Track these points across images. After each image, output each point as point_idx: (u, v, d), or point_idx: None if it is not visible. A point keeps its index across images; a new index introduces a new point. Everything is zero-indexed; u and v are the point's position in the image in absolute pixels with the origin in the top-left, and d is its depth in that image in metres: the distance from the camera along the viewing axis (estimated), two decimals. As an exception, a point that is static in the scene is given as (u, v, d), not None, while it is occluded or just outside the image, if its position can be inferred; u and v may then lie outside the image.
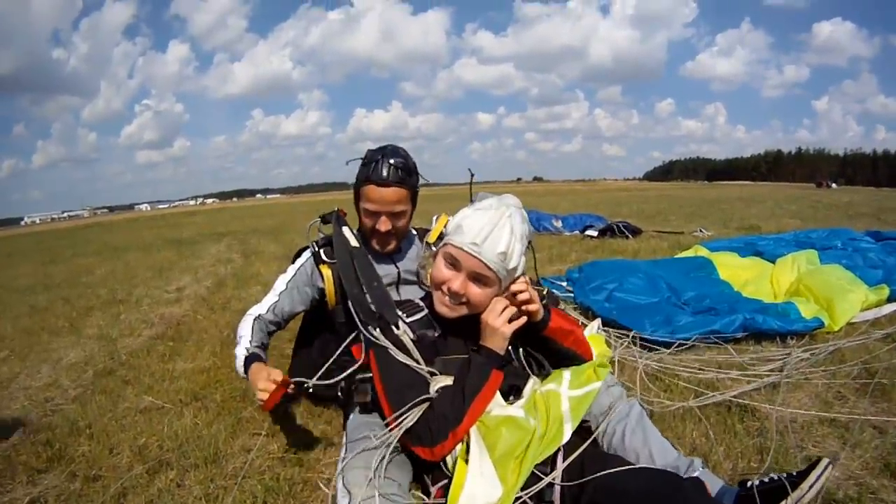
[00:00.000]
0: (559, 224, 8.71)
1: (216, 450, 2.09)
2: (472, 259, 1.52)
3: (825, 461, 1.41)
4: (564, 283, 4.38)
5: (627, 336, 3.12)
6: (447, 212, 1.73)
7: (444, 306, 1.62)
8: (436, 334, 1.70)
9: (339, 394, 1.93)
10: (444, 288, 1.59)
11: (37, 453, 2.17)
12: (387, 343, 1.61)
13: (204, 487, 1.83)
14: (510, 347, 1.68)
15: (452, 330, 1.68)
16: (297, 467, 1.96)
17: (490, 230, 1.51)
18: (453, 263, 1.57)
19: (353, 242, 2.08)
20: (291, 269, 2.23)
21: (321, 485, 1.76)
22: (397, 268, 2.22)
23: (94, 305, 5.47)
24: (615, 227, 7.62)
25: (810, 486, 1.36)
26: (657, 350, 2.93)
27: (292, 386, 1.60)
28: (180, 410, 2.54)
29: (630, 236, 7.39)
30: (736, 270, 4.24)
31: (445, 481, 1.44)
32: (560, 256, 6.40)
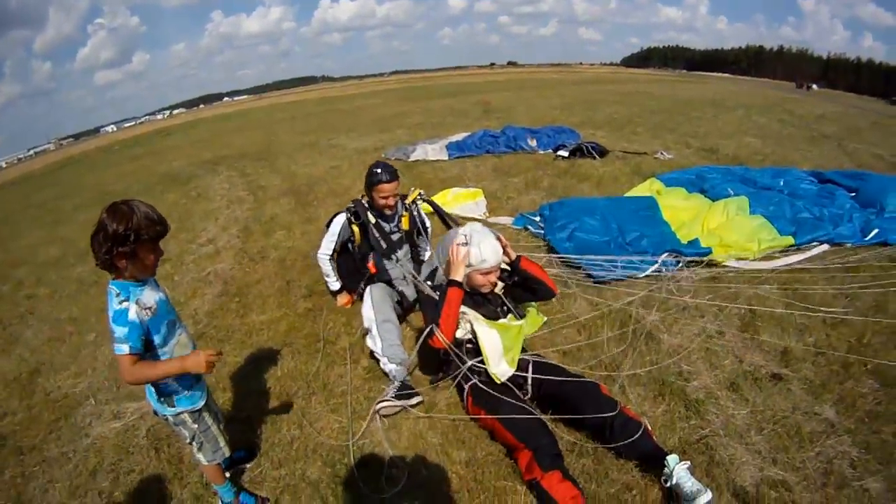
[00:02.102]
0: (534, 143, 9.72)
1: (322, 379, 3.29)
2: (492, 269, 2.84)
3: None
4: (537, 219, 5.65)
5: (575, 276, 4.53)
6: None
7: (487, 288, 2.93)
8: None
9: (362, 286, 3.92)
10: (487, 284, 2.90)
11: None
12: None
13: (326, 404, 3.04)
14: (502, 295, 3.02)
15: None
16: (378, 380, 3.19)
17: (491, 252, 2.81)
18: (485, 274, 2.85)
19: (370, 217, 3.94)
20: (335, 227, 4.01)
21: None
22: (398, 222, 4.07)
23: (144, 270, 6.52)
24: (584, 147, 8.70)
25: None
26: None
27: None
28: (281, 355, 3.72)
29: (597, 157, 8.44)
30: (674, 212, 5.40)
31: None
32: (534, 182, 7.61)
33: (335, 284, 4.26)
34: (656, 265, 4.36)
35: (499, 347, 2.77)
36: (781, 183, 5.92)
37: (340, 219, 4.01)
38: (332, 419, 2.97)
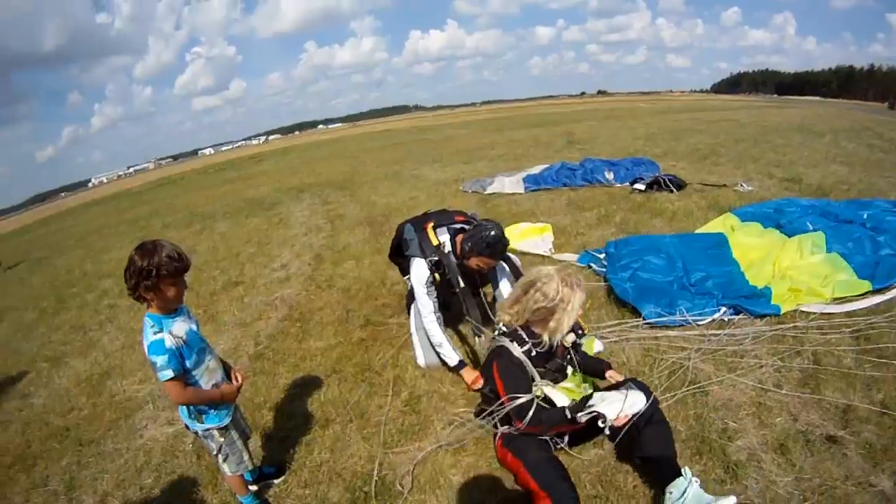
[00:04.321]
0: (611, 176, 9.82)
1: (360, 408, 3.57)
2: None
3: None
4: (602, 257, 5.75)
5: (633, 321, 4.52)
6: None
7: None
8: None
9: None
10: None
11: None
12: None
13: (359, 433, 3.32)
14: (570, 348, 3.08)
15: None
16: (414, 414, 3.40)
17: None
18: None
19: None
20: (422, 279, 3.80)
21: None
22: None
23: (216, 290, 7.26)
24: (661, 180, 8.70)
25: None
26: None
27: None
28: (328, 382, 4.08)
29: (674, 190, 8.42)
30: (745, 250, 5.33)
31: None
32: (606, 217, 7.68)
33: (453, 357, 3.78)
34: (719, 314, 4.32)
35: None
36: (865, 216, 5.63)
37: (425, 271, 3.80)
38: (363, 447, 3.23)
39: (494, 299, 4.18)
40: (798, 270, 4.77)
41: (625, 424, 2.62)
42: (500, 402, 2.78)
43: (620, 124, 25.79)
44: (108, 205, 34.46)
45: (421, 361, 4.02)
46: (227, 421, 2.62)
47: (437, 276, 3.82)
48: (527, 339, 2.88)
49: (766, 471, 2.73)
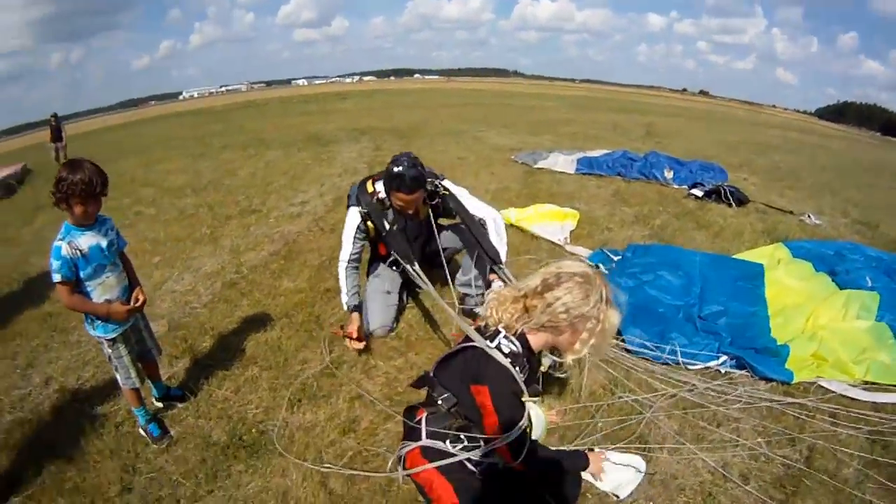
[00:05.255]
0: (670, 175, 9.09)
1: (286, 357, 3.58)
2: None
3: None
4: (616, 259, 5.22)
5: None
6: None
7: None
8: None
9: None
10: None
11: (175, 344, 3.90)
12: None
13: (270, 382, 3.34)
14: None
15: None
16: (331, 378, 3.35)
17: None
18: None
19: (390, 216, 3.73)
20: (352, 225, 3.78)
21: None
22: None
23: (232, 214, 7.46)
24: (723, 190, 8.00)
25: None
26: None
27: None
28: (274, 324, 4.11)
29: (733, 204, 7.74)
30: (782, 291, 4.53)
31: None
32: (646, 217, 7.05)
33: (345, 303, 3.77)
34: (717, 363, 3.69)
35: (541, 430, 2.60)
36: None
37: (354, 217, 3.78)
38: (266, 397, 3.24)
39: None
40: (833, 334, 3.85)
41: None
42: (493, 442, 2.16)
43: (708, 127, 24.38)
44: (187, 118, 36.08)
45: (365, 326, 3.86)
46: (112, 335, 2.75)
47: (369, 223, 3.76)
48: (524, 357, 2.21)
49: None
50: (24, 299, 5.01)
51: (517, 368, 2.14)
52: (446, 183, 3.76)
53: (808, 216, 7.78)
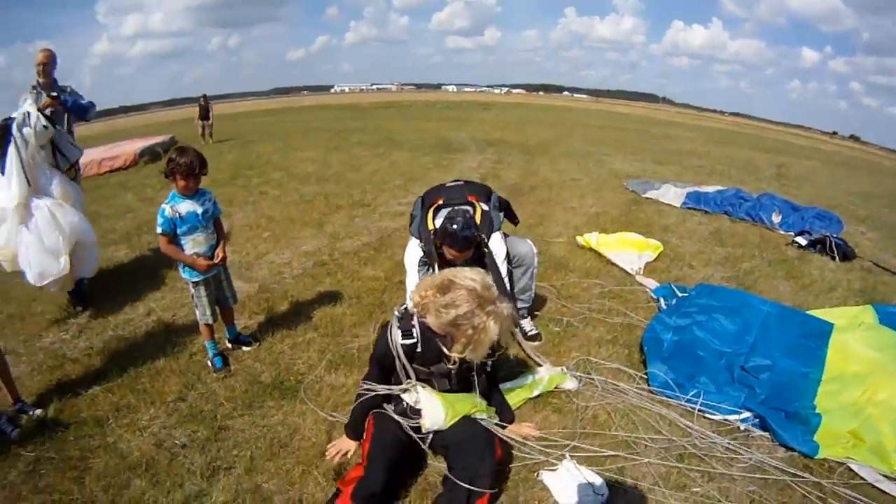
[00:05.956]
0: (777, 220, 8.46)
1: (342, 329, 4.20)
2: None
3: None
4: (681, 295, 4.98)
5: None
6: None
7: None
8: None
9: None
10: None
11: (258, 303, 4.69)
12: None
13: (321, 346, 3.97)
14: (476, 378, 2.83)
15: None
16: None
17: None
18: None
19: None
20: (414, 260, 3.81)
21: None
22: None
23: (343, 205, 8.30)
24: (830, 240, 7.32)
25: None
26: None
27: None
28: (344, 302, 4.74)
29: (836, 259, 7.04)
30: (848, 357, 4.03)
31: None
32: (734, 260, 6.67)
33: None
34: (737, 417, 3.48)
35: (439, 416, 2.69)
36: None
37: (415, 251, 3.82)
38: (313, 357, 3.84)
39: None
40: (886, 413, 3.38)
41: None
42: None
43: (847, 174, 22.14)
44: (332, 112, 38.72)
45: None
46: (196, 279, 3.58)
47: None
48: (416, 336, 2.63)
49: None
50: (155, 247, 5.94)
51: (410, 343, 2.63)
52: (492, 242, 3.75)
53: (920, 282, 7.12)
